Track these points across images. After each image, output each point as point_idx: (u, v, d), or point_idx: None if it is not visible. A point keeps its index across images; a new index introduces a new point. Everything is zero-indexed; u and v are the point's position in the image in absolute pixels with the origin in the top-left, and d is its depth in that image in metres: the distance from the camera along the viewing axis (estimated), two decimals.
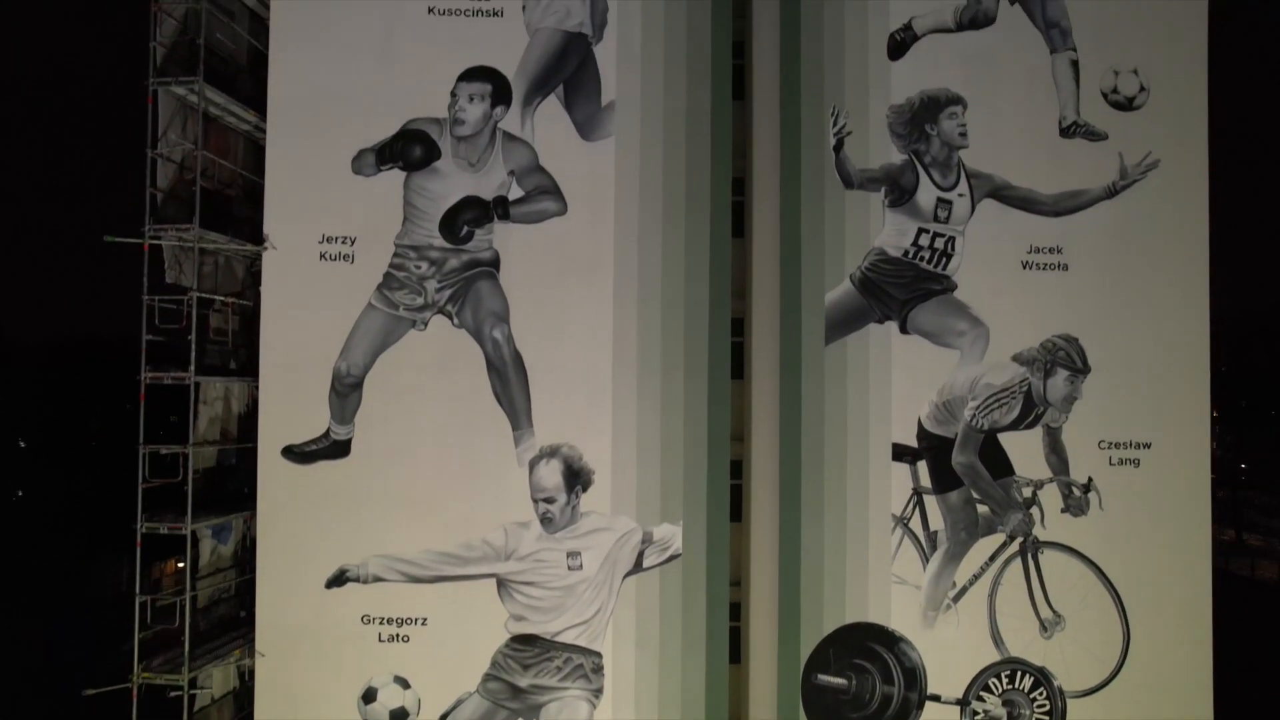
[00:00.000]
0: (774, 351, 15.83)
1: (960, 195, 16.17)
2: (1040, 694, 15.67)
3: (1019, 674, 15.69)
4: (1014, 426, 16.05)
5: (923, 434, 16.01)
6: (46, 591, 34.85)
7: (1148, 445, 16.14)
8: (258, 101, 16.00)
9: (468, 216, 15.56)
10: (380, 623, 15.27)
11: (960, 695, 15.63)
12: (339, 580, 15.12)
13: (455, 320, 15.56)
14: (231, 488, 16.62)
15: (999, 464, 16.04)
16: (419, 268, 15.53)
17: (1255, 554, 44.84)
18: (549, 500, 15.39)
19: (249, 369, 16.30)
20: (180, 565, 16.33)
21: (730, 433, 15.78)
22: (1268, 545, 46.36)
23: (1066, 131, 16.37)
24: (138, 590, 14.72)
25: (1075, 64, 16.44)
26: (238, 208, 16.71)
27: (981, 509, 16.01)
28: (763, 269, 16.00)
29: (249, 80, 16.47)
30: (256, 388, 15.65)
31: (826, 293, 15.96)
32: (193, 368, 14.49)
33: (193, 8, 15.37)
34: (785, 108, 16.04)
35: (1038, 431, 16.08)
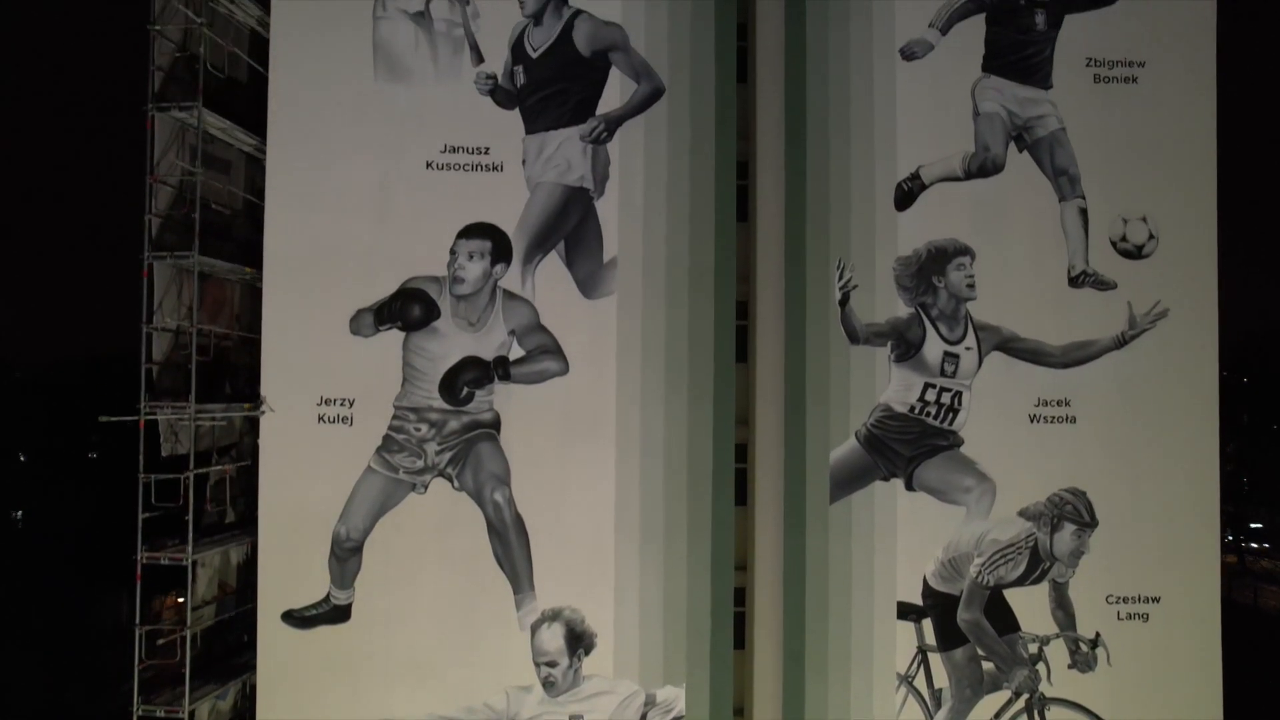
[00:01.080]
0: (778, 514, 15.65)
1: (968, 349, 15.95)
2: None
3: None
4: (1020, 582, 15.88)
5: (928, 591, 15.86)
6: (46, 623, 34.44)
7: (1157, 599, 15.99)
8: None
9: (468, 377, 15.34)
10: None
11: None
12: None
13: (456, 483, 15.38)
14: (231, 639, 16.49)
15: (1004, 620, 15.88)
16: (418, 430, 15.33)
17: (1259, 578, 44.30)
18: (551, 664, 15.26)
19: (248, 518, 16.15)
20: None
21: (733, 596, 15.62)
22: (1274, 568, 45.50)
23: (1075, 281, 16.13)
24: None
25: (1084, 212, 16.19)
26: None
27: (987, 666, 15.87)
28: (766, 430, 15.79)
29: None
30: (255, 542, 15.49)
31: (832, 451, 15.76)
32: (190, 548, 14.31)
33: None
34: (790, 263, 15.79)
35: (1044, 586, 15.93)
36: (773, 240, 15.87)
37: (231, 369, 16.19)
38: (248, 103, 15.97)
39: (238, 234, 16.33)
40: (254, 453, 15.71)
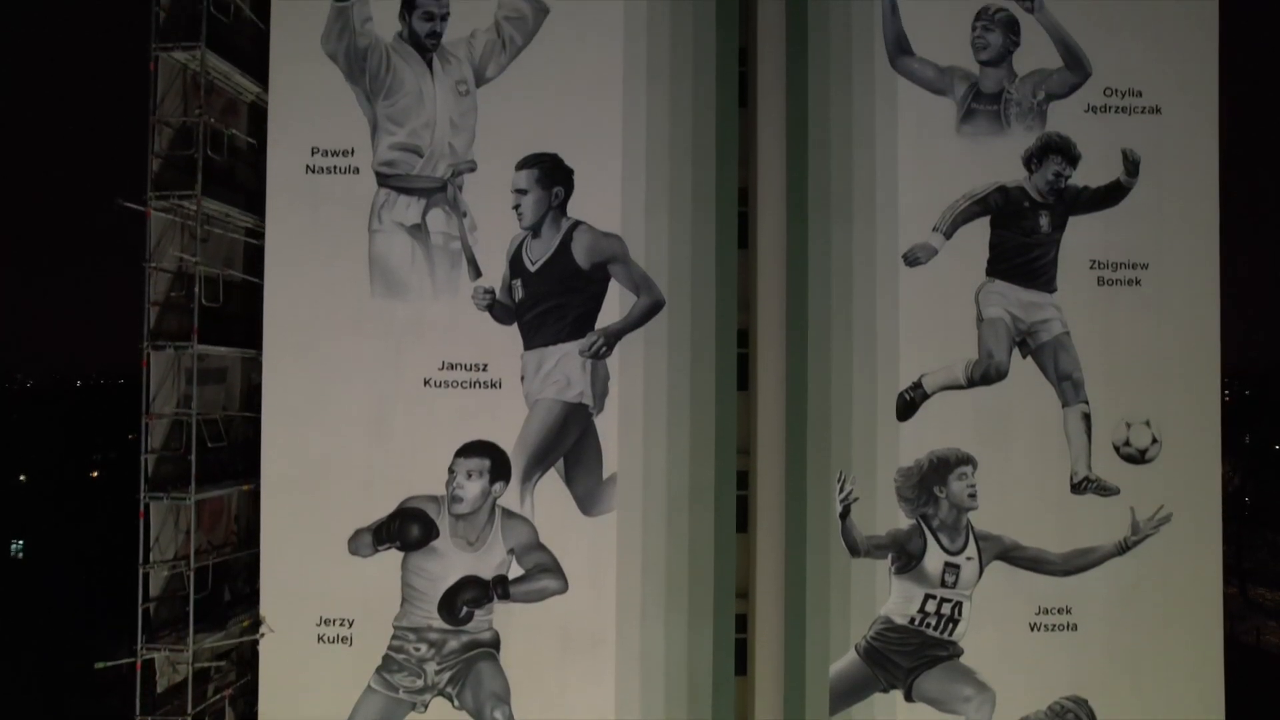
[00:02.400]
0: None
1: (969, 559, 15.88)
2: None
3: None
4: None
5: None
6: (45, 668, 34.03)
7: None
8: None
9: (467, 597, 15.29)
10: None
11: None
12: None
13: (456, 702, 15.36)
14: None
15: None
16: (418, 650, 15.30)
17: (1262, 612, 43.92)
18: None
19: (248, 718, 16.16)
20: None
21: None
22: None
23: (1078, 487, 16.03)
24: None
25: (1087, 417, 16.07)
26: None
27: None
28: (766, 643, 15.76)
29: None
30: None
31: (831, 664, 15.73)
32: None
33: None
34: (790, 478, 15.68)
35: None
36: (773, 456, 15.76)
37: (231, 577, 16.15)
38: (243, 325, 15.87)
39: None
40: (253, 659, 15.68)
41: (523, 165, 15.62)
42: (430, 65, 15.63)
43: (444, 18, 15.66)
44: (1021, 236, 16.15)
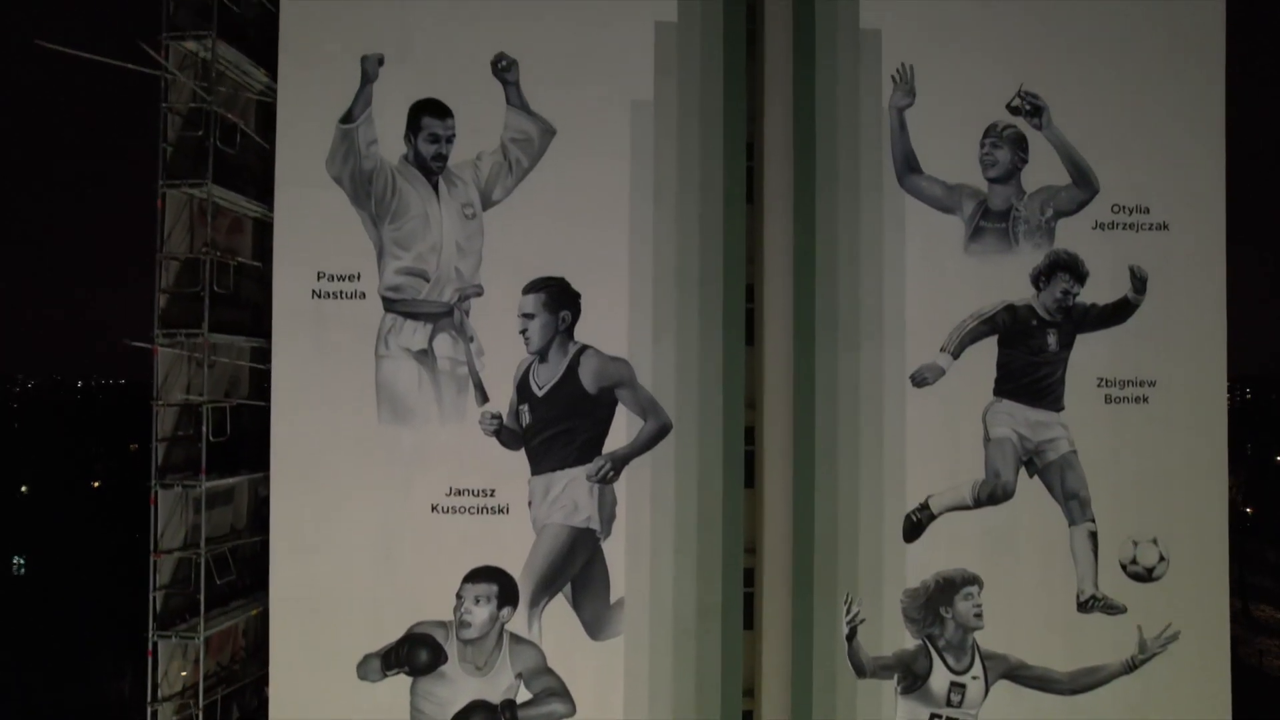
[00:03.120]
0: None
1: (974, 678, 15.90)
2: None
3: None
4: None
5: None
6: (46, 697, 33.64)
7: None
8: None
9: None
10: None
11: None
12: None
13: None
14: None
15: None
16: None
17: (1266, 631, 42.31)
18: None
19: None
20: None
21: None
22: None
23: (1084, 606, 16.05)
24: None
25: (1094, 535, 16.08)
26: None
27: None
28: None
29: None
30: None
31: None
32: None
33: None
34: (797, 601, 15.69)
35: None
36: (780, 579, 15.77)
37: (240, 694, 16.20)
38: (251, 449, 15.90)
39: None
40: None
41: (530, 289, 15.59)
42: (436, 188, 15.58)
43: (450, 140, 15.60)
44: (1029, 355, 16.12)
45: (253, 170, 16.01)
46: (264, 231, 16.41)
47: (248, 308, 16.20)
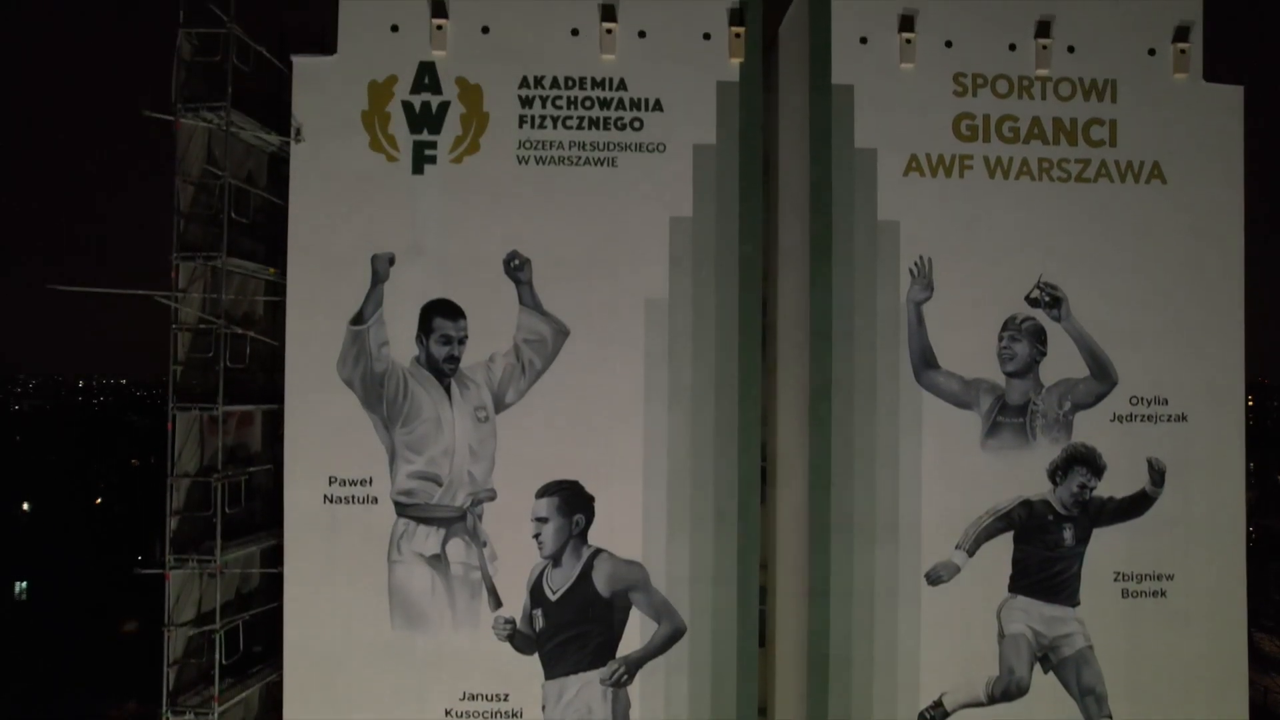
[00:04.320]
0: None
1: None
2: None
3: None
4: None
5: None
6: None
7: None
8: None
9: None
10: None
11: None
12: None
13: None
14: None
15: None
16: None
17: (1275, 667, 40.39)
18: None
19: None
20: None
21: None
22: None
23: None
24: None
25: None
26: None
27: None
28: None
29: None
30: None
31: None
32: None
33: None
34: None
35: None
36: None
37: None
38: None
39: None
40: None
41: (543, 493, 15.47)
42: (449, 391, 15.43)
43: (462, 341, 15.44)
44: (1045, 551, 16.01)
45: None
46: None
47: (259, 523, 16.17)
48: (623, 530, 15.53)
